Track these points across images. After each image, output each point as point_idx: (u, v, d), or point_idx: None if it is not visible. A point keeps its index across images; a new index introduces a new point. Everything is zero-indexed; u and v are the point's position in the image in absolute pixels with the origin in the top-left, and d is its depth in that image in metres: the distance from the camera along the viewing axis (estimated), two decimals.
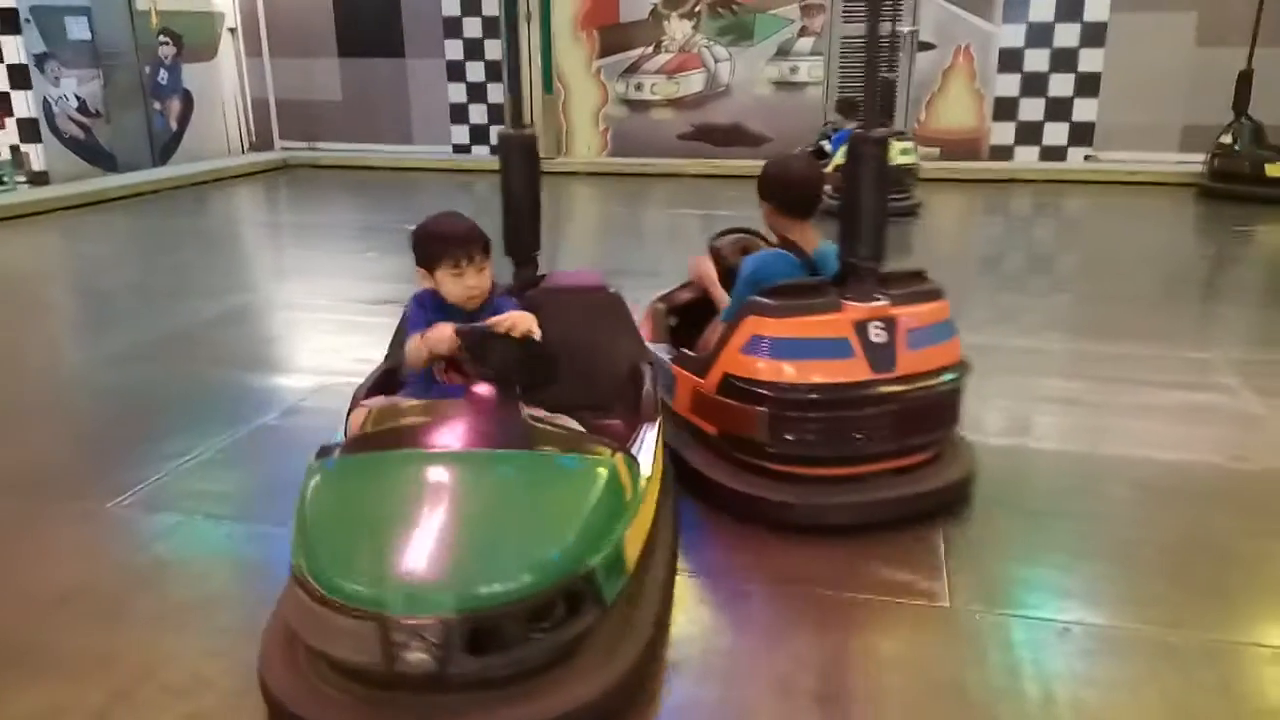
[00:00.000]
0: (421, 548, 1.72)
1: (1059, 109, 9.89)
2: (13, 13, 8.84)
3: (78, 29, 9.53)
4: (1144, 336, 4.56)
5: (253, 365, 4.40)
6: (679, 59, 10.78)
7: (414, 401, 2.24)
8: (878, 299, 2.71)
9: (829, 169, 7.24)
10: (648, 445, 2.22)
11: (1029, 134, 10.03)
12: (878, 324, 2.68)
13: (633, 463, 2.07)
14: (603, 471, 1.96)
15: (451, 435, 2.00)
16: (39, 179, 9.09)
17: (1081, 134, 9.88)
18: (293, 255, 7.19)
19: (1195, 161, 8.93)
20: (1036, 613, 2.32)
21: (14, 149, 9.10)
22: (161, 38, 10.66)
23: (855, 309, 2.68)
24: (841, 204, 2.72)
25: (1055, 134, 9.96)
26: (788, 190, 3.00)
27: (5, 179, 8.90)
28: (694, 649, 2.22)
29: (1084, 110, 9.82)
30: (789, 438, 2.63)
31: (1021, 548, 2.67)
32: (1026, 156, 10.07)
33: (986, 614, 2.32)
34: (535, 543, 1.76)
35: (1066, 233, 8.14)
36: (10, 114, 9.06)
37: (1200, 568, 2.54)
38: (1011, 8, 9.74)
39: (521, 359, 2.14)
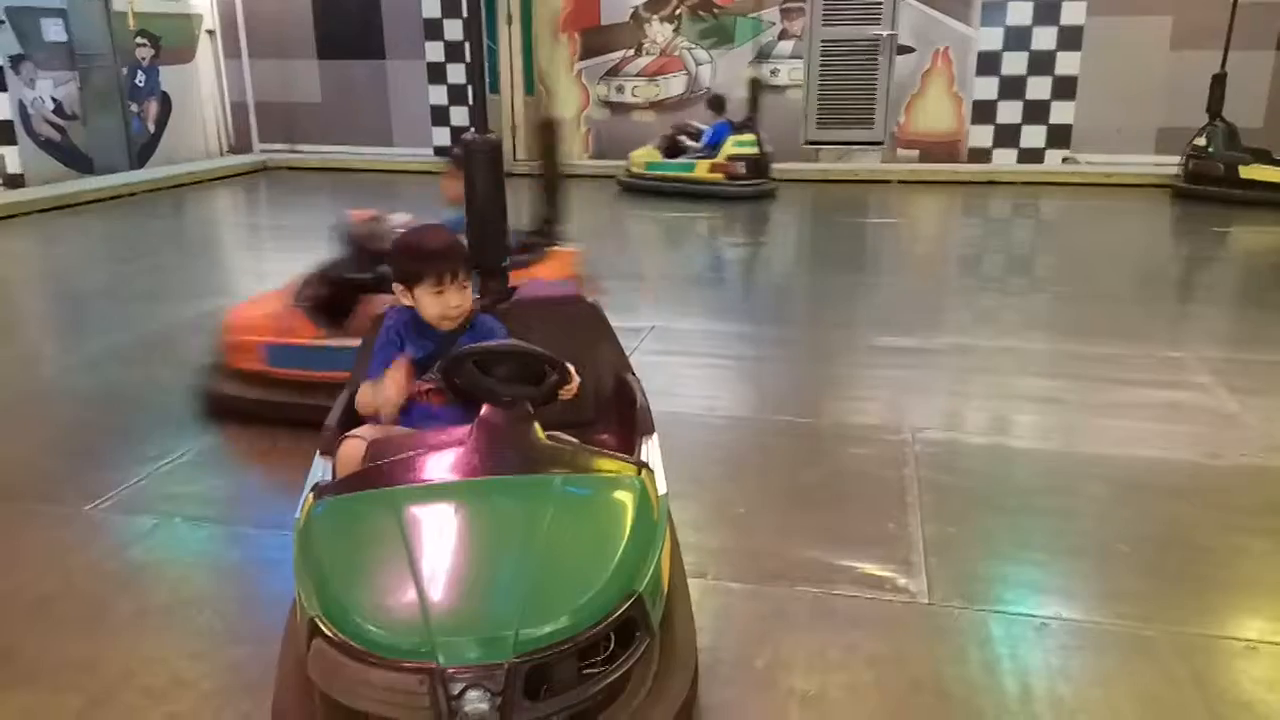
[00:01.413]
0: (464, 590, 1.60)
1: (1037, 112, 9.98)
2: None
3: (54, 30, 9.44)
4: (1120, 336, 4.61)
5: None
6: (660, 62, 10.80)
7: (412, 431, 2.07)
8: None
9: (719, 158, 8.61)
10: (655, 459, 2.12)
11: (1007, 136, 10.11)
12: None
13: (653, 479, 1.97)
14: (631, 493, 1.84)
15: (463, 465, 1.85)
16: (14, 182, 9.00)
17: (1059, 136, 9.98)
18: (272, 258, 7.14)
19: (1170, 163, 9.04)
20: (1014, 608, 2.35)
21: None
22: (139, 39, 10.58)
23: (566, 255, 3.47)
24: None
25: (1033, 136, 10.05)
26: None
27: None
28: None
29: (1061, 113, 9.92)
30: None
31: (1000, 544, 2.70)
32: (1005, 159, 10.16)
33: (965, 610, 2.34)
34: (584, 575, 1.64)
35: (1044, 234, 8.22)
36: None
37: (1175, 563, 2.58)
38: (989, 11, 9.83)
39: (530, 372, 2.01)
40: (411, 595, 1.57)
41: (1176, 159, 8.87)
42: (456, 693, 1.48)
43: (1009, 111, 10.04)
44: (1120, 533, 2.73)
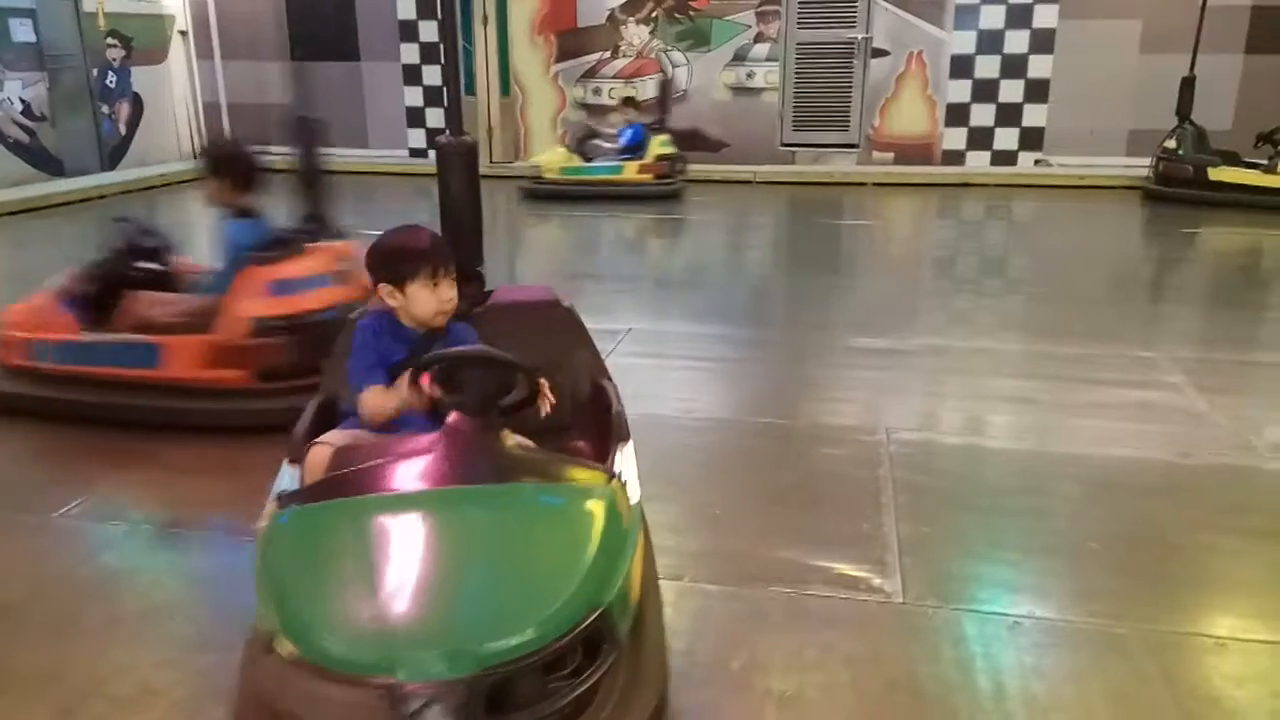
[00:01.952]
0: (425, 603, 1.56)
1: (1009, 114, 10.06)
2: None
3: (22, 31, 9.32)
4: (1093, 336, 4.66)
5: None
6: (636, 64, 10.80)
7: (380, 437, 2.04)
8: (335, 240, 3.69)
9: (649, 159, 8.71)
10: (630, 467, 2.07)
11: (980, 139, 10.20)
12: (342, 260, 3.63)
13: (624, 489, 1.92)
14: (601, 503, 1.79)
15: (431, 473, 1.81)
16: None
17: (1032, 139, 10.07)
18: None
19: (1141, 166, 9.14)
20: (988, 607, 2.37)
21: None
22: (110, 40, 10.45)
23: (326, 249, 3.66)
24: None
25: (1006, 139, 10.14)
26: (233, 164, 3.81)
27: None
28: None
29: (1034, 116, 10.01)
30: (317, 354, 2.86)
31: (973, 544, 2.72)
32: (978, 161, 10.24)
33: (939, 609, 2.35)
34: (550, 587, 1.60)
35: (1017, 235, 8.29)
36: None
37: (1146, 561, 2.60)
38: (962, 15, 9.90)
39: (500, 380, 1.94)
40: (372, 608, 1.54)
41: (1147, 161, 8.97)
42: (416, 708, 1.45)
43: (982, 114, 10.12)
44: (1092, 531, 2.76)
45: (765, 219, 8.82)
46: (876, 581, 2.47)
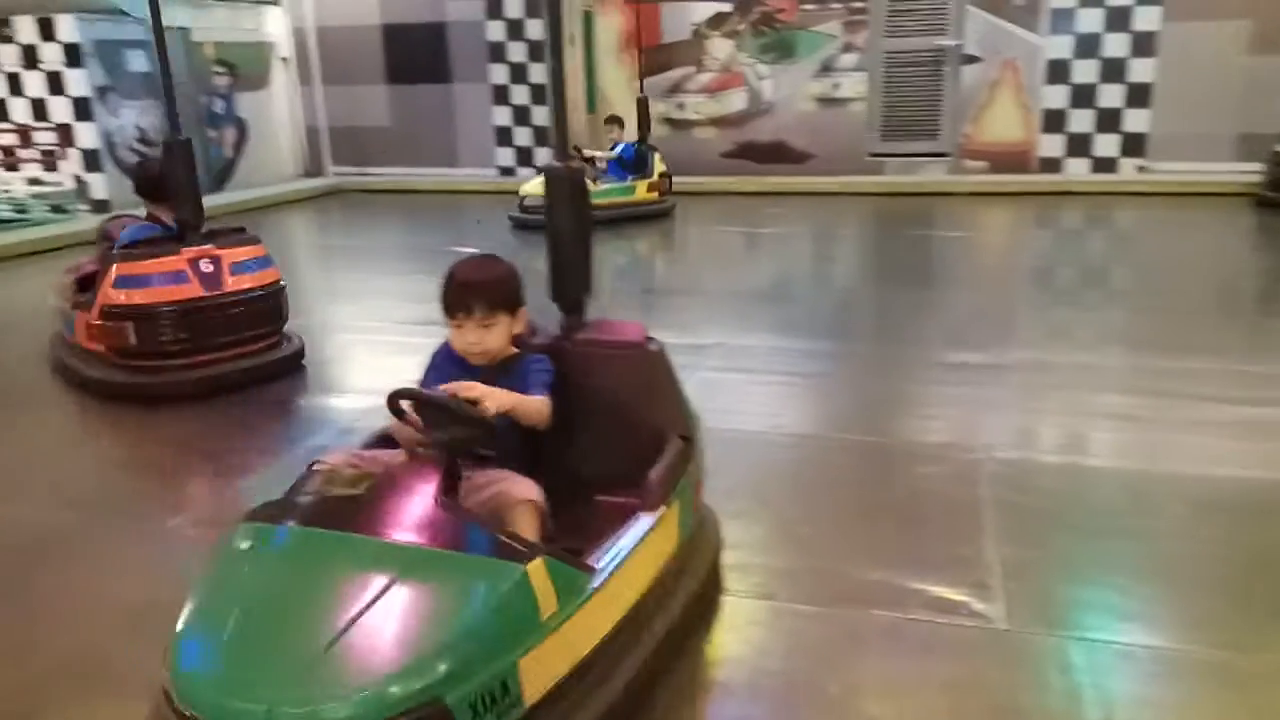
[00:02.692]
0: (254, 649, 1.53)
1: (1109, 120, 9.73)
2: (76, 48, 9.16)
3: (137, 61, 9.83)
4: (1201, 350, 4.47)
5: (308, 387, 4.48)
6: (721, 78, 10.81)
7: (352, 468, 1.98)
8: (205, 244, 4.26)
9: (654, 177, 8.67)
10: (625, 543, 1.93)
11: (1079, 146, 9.88)
12: (206, 260, 4.23)
13: (562, 572, 1.73)
14: (499, 587, 1.63)
15: (344, 513, 1.75)
16: (101, 207, 9.36)
17: (1133, 145, 9.72)
18: (344, 278, 7.32)
19: (1252, 171, 8.73)
20: (1096, 635, 2.28)
21: (77, 179, 9.40)
22: (217, 68, 10.95)
23: (189, 251, 4.20)
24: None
25: (1106, 145, 9.81)
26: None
27: (68, 208, 9.19)
28: (743, 670, 2.21)
29: (1135, 121, 9.66)
30: (162, 339, 4.11)
31: (1079, 568, 2.62)
32: (1077, 169, 9.92)
33: (1045, 636, 2.28)
34: (379, 663, 1.49)
35: (1120, 245, 8.01)
36: (73, 144, 9.36)
37: (1263, 588, 2.48)
38: (1058, 19, 9.63)
39: (457, 424, 1.89)
40: (214, 642, 1.55)
41: (1258, 166, 8.57)
42: None
43: (1081, 120, 9.81)
44: (1204, 556, 2.64)
45: (853, 231, 8.72)
46: (978, 606, 2.40)
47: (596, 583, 1.81)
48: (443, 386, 1.97)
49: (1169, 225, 8.16)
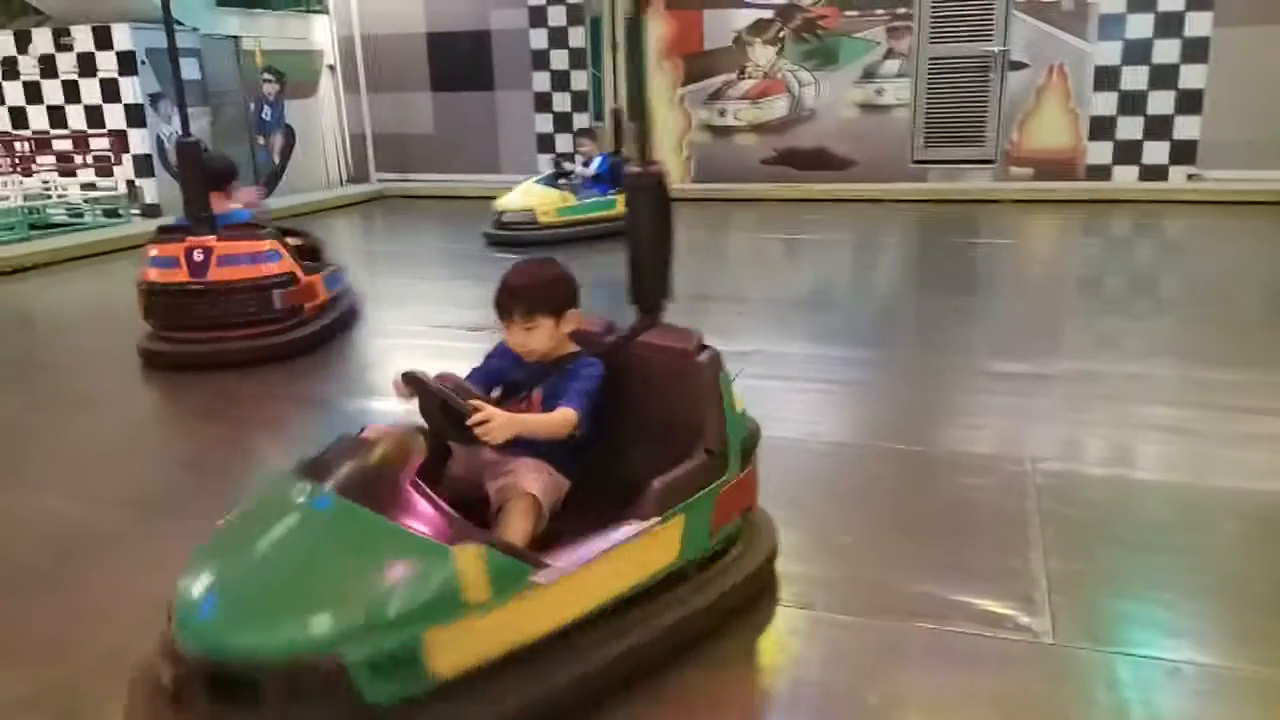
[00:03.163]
0: (219, 580, 1.76)
1: (1159, 127, 9.56)
2: (130, 55, 9.38)
3: (189, 69, 10.02)
4: (1253, 362, 4.36)
5: (352, 390, 4.54)
6: (763, 84, 10.78)
7: (378, 434, 2.07)
8: (208, 236, 4.80)
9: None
10: (594, 547, 1.97)
11: (1128, 153, 9.72)
12: (199, 251, 4.77)
13: (500, 563, 1.83)
14: (419, 560, 1.77)
15: (349, 480, 1.90)
16: (152, 212, 9.56)
17: (1184, 152, 9.54)
18: (386, 283, 7.39)
19: None
20: (1144, 651, 2.23)
21: (129, 183, 9.62)
22: (265, 76, 11.15)
23: (191, 241, 4.79)
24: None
25: (1155, 153, 9.63)
26: None
27: (121, 212, 9.40)
28: (783, 679, 2.20)
29: (1186, 128, 9.48)
30: (153, 315, 4.87)
31: (1126, 582, 2.57)
32: (1125, 176, 9.76)
33: (1091, 651, 2.23)
34: (295, 610, 1.69)
35: (1169, 254, 7.85)
36: (127, 150, 9.58)
37: None
38: (1107, 25, 9.49)
39: (442, 415, 2.10)
40: (201, 571, 1.78)
41: None
42: (162, 666, 1.74)
43: (1129, 127, 9.65)
44: (1257, 572, 2.57)
45: (895, 238, 8.64)
46: (1024, 620, 2.36)
47: (544, 579, 1.88)
48: (472, 402, 2.09)
49: (1219, 234, 7.98)
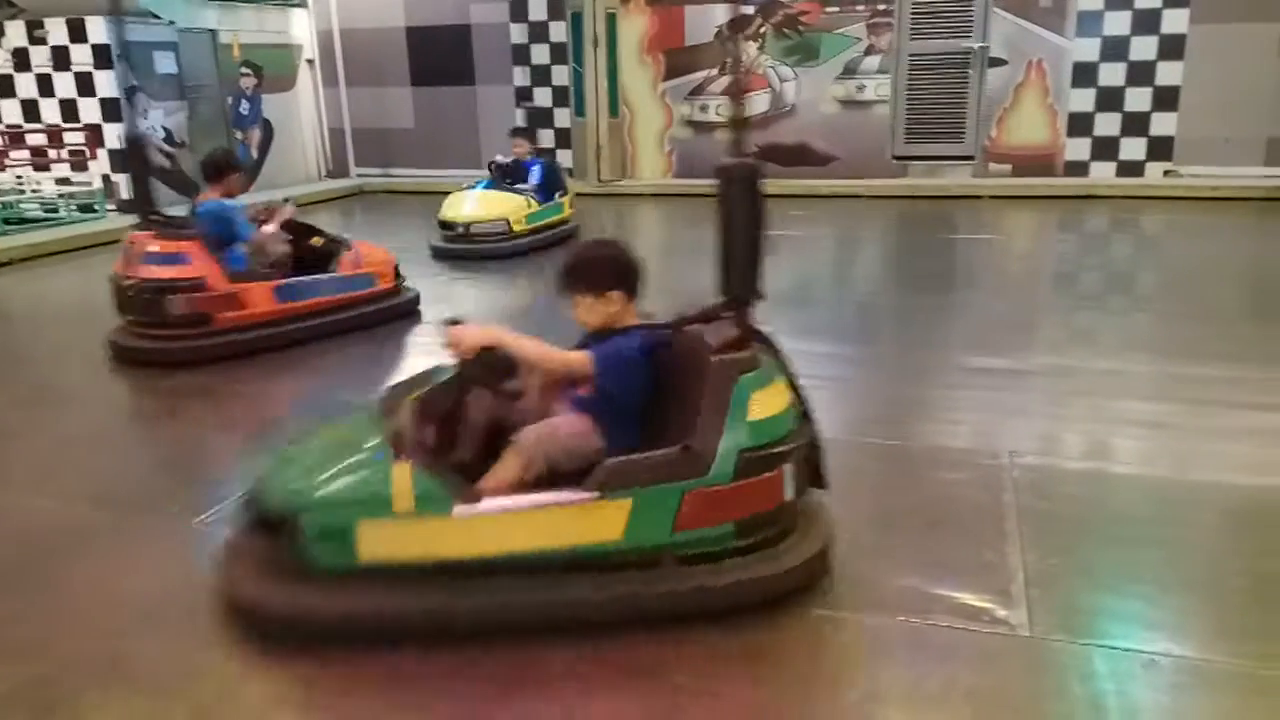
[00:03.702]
0: (274, 463, 2.45)
1: (1136, 123, 9.65)
2: (105, 49, 9.27)
3: (165, 63, 9.93)
4: (1230, 357, 4.41)
5: (343, 387, 4.51)
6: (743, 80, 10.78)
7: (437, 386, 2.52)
8: (148, 232, 4.78)
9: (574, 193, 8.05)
10: (519, 501, 2.26)
11: (1105, 149, 9.80)
12: (130, 244, 4.77)
13: (426, 483, 2.22)
14: (364, 465, 2.29)
15: (386, 403, 2.50)
16: (128, 207, 9.46)
17: (1160, 148, 9.62)
18: None
19: None
20: (1121, 643, 2.26)
21: (105, 178, 9.51)
22: (243, 70, 11.05)
23: (133, 234, 4.81)
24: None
25: (1133, 149, 9.72)
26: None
27: (96, 207, 9.30)
28: (764, 674, 2.20)
29: (1162, 124, 9.57)
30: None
31: (1103, 576, 2.59)
32: (1103, 172, 9.84)
33: (1068, 644, 2.26)
34: (293, 485, 2.31)
35: (1146, 250, 7.92)
36: (101, 145, 9.47)
37: None
38: (1085, 22, 9.56)
39: (486, 368, 2.35)
40: (266, 461, 2.50)
41: None
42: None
43: (1107, 124, 9.73)
44: (1231, 565, 2.61)
45: (875, 234, 8.67)
46: (1001, 613, 2.38)
47: (461, 511, 2.22)
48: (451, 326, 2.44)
49: (1196, 230, 8.07)
